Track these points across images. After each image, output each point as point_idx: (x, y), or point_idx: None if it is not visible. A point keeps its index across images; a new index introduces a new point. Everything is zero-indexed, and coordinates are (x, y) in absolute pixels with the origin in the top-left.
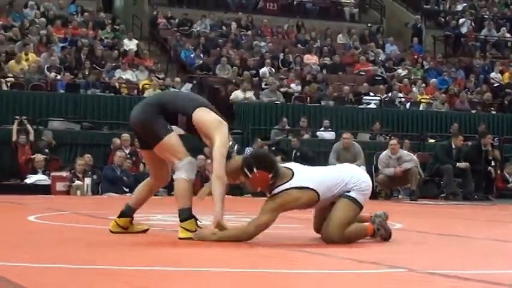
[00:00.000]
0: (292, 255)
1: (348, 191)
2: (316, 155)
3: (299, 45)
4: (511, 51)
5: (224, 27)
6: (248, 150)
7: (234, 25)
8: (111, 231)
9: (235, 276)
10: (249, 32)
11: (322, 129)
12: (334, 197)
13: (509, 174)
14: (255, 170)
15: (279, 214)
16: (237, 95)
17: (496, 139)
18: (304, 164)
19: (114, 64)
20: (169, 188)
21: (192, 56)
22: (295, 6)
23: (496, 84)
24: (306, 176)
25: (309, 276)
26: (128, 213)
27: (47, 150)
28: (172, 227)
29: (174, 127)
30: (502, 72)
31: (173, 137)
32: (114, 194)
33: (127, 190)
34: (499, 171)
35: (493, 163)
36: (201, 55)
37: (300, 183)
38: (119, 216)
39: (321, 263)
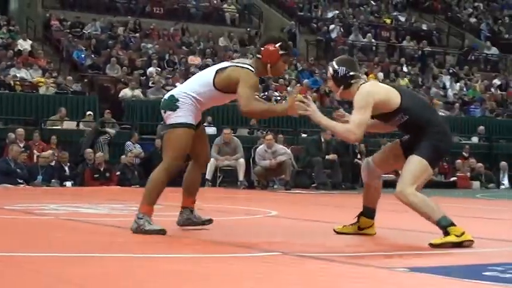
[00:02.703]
0: (172, 241)
1: None
2: None
3: (183, 47)
4: (375, 55)
5: (114, 30)
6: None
7: (122, 28)
8: None
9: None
10: (137, 34)
11: (205, 124)
12: None
13: None
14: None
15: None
16: (126, 92)
17: None
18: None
19: (9, 63)
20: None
21: (83, 56)
22: (180, 11)
23: None
24: None
25: (185, 259)
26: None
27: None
28: (65, 215)
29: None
30: (367, 74)
31: None
32: (9, 185)
33: (21, 181)
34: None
35: (359, 156)
36: (92, 55)
37: None
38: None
39: (200, 248)
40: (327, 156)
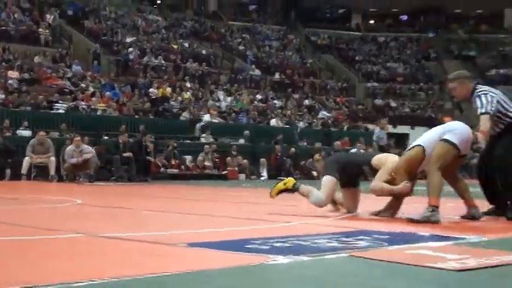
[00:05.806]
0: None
1: None
2: (16, 148)
3: (3, 63)
4: (165, 73)
5: None
6: None
7: None
8: None
9: None
10: None
11: (22, 128)
12: None
13: (160, 161)
14: None
15: None
16: None
17: (152, 136)
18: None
19: None
20: None
21: None
22: (1, 33)
23: (153, 97)
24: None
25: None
26: None
27: None
28: None
29: None
30: (158, 88)
31: None
32: None
33: None
34: (154, 160)
35: (150, 154)
36: None
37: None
38: None
39: (16, 231)
40: (124, 154)
